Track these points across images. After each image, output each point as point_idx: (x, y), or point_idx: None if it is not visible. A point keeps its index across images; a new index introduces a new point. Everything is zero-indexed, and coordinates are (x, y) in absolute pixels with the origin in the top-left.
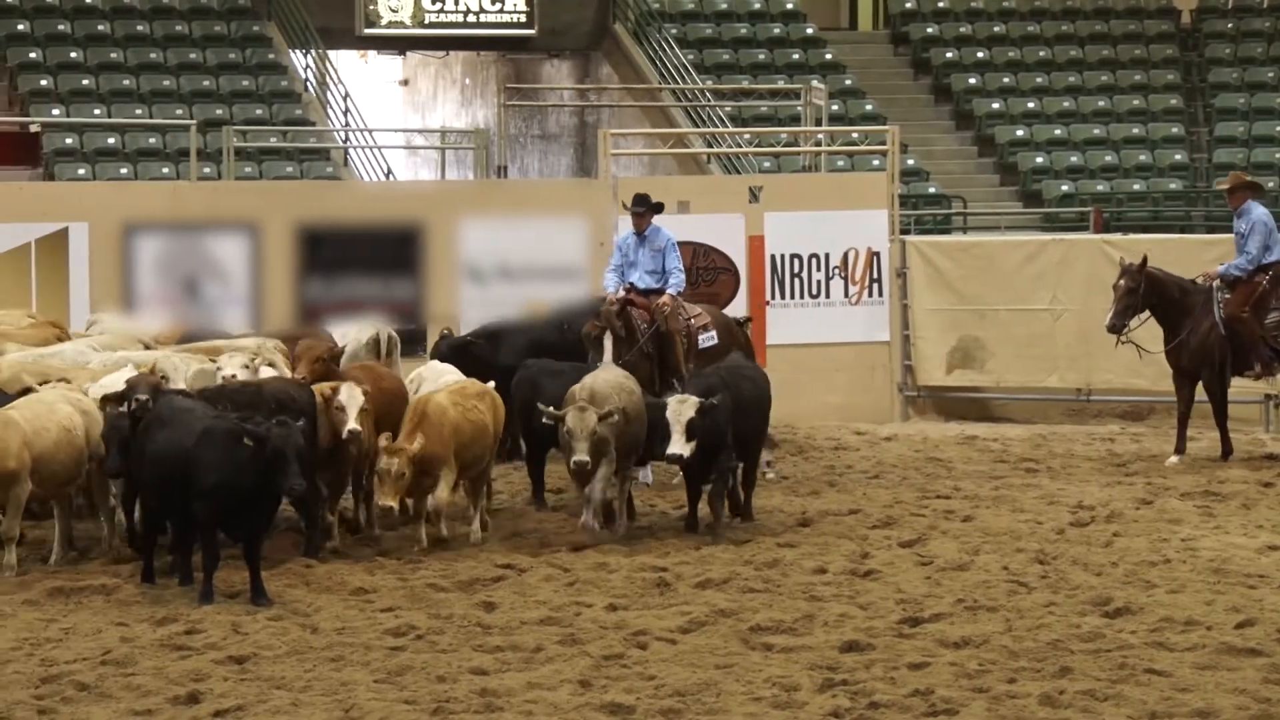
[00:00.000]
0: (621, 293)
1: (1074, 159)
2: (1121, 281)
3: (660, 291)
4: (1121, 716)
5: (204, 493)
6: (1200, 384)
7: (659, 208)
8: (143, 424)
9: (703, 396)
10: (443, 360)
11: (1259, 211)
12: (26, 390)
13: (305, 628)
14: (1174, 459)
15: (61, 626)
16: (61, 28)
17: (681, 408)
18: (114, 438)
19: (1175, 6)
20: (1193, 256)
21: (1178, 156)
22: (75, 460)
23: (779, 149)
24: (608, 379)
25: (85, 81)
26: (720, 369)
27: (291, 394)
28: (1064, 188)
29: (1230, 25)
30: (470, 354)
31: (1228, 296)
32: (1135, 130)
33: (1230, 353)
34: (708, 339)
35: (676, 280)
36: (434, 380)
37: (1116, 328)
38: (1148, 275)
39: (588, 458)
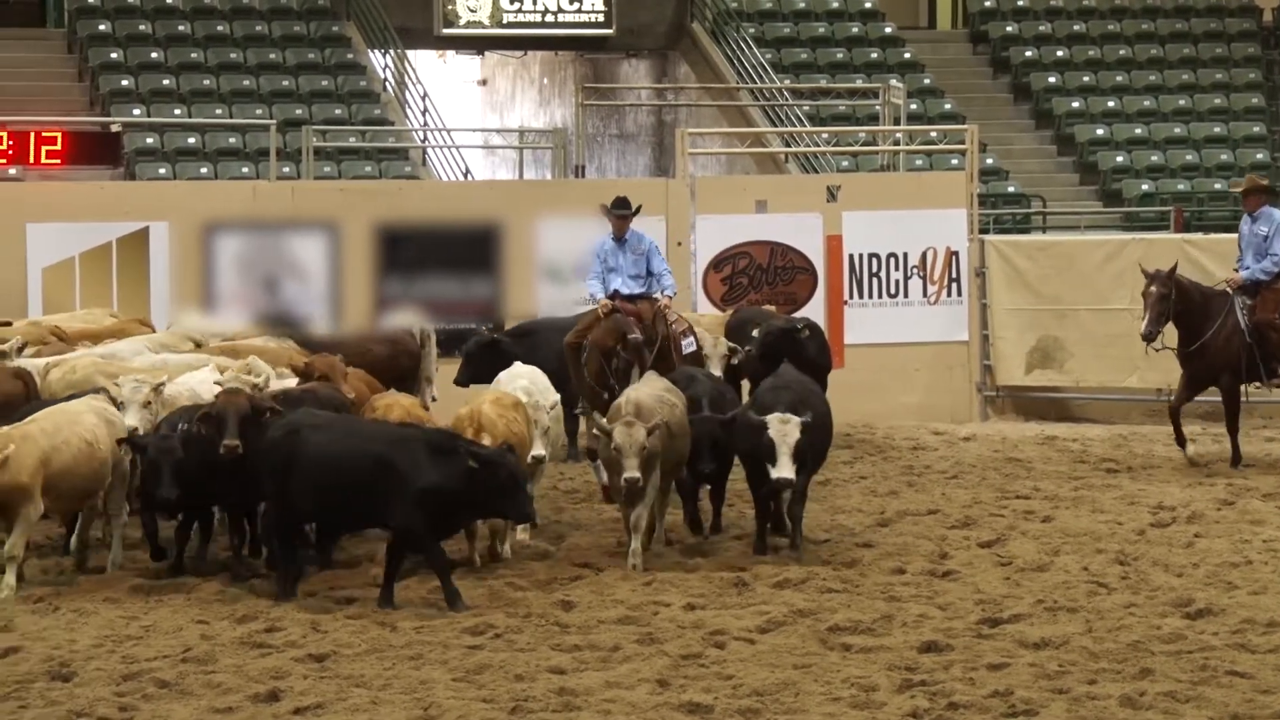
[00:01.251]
0: (605, 299)
1: (1154, 158)
2: (1153, 289)
3: (645, 297)
4: (1202, 718)
5: (414, 499)
6: (1208, 388)
7: (637, 211)
8: (284, 431)
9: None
10: (468, 357)
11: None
12: (98, 390)
13: (384, 626)
14: (1189, 450)
15: (142, 624)
16: (142, 28)
17: (786, 428)
18: (166, 462)
19: (1257, 4)
20: None
21: (1259, 155)
22: (96, 474)
23: (857, 148)
24: (651, 391)
25: (166, 81)
26: (784, 384)
27: None
28: (1144, 187)
29: None
30: (499, 351)
31: (1249, 302)
32: (1216, 129)
33: (1254, 359)
34: (688, 345)
35: (670, 282)
36: (509, 383)
37: (1153, 335)
38: (1176, 282)
39: (638, 474)
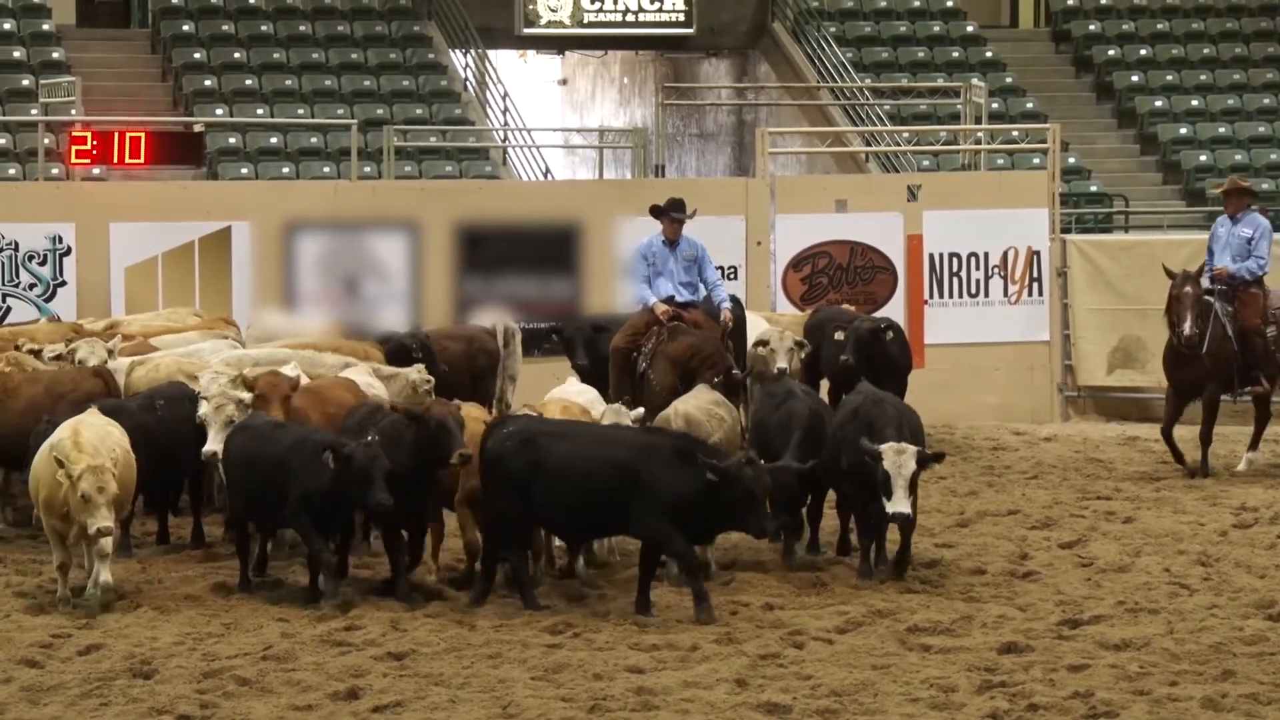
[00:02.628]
0: (664, 305)
1: (1238, 157)
2: (1188, 289)
3: (693, 305)
4: None
5: (661, 504)
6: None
7: (693, 215)
8: (526, 437)
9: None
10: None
11: (1263, 219)
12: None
13: (463, 625)
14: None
15: (223, 622)
16: (225, 28)
17: (901, 459)
18: (377, 469)
19: None
20: None
21: None
22: (129, 487)
23: (938, 147)
24: (700, 404)
25: (248, 82)
26: (881, 400)
27: None
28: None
29: None
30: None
31: (1229, 309)
32: None
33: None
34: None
35: (725, 294)
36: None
37: (1196, 338)
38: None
39: None
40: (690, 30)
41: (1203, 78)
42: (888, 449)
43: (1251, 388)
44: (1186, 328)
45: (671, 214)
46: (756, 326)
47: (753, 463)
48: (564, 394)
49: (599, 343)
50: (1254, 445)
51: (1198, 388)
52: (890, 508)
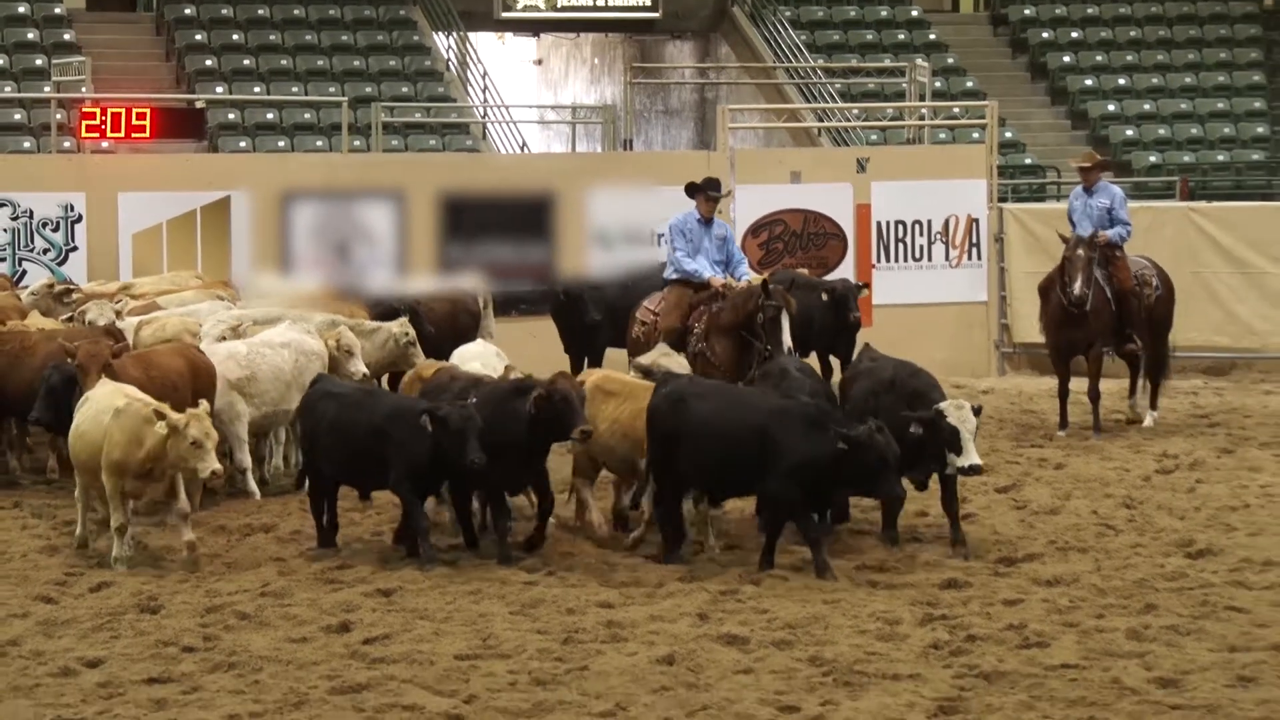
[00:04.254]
0: (717, 278)
1: (1162, 131)
2: (1080, 252)
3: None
4: (1203, 650)
5: (786, 472)
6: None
7: (729, 194)
8: (678, 396)
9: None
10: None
11: (1117, 189)
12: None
13: (446, 563)
14: (1062, 434)
15: (224, 561)
16: (225, 12)
17: (963, 414)
18: (472, 429)
19: None
20: (1273, 222)
21: (1260, 129)
22: None
23: (885, 123)
24: (671, 361)
25: (246, 62)
26: (913, 373)
27: None
28: (1152, 159)
29: None
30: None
31: (1104, 272)
32: (1220, 105)
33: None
34: None
35: (747, 269)
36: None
37: (1085, 298)
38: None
39: None
40: (656, 14)
41: (1129, 59)
42: (948, 406)
43: (1126, 346)
44: (1077, 288)
45: (708, 192)
46: None
47: (882, 430)
48: (464, 354)
49: (606, 298)
50: (1153, 403)
51: (1081, 348)
52: (963, 461)
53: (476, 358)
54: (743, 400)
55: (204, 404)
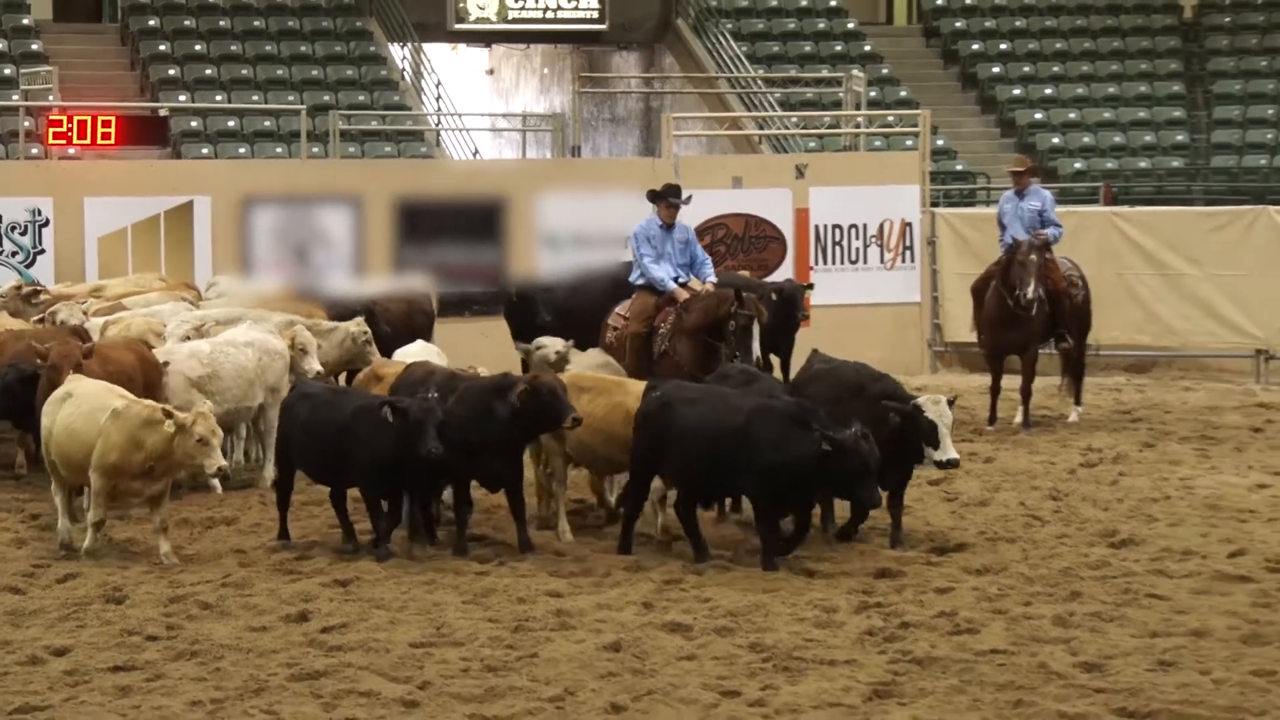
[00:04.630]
0: (680, 289)
1: (1086, 139)
2: (1033, 257)
3: (685, 285)
4: (1125, 636)
5: (761, 472)
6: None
7: (688, 200)
8: (664, 402)
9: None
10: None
11: (1046, 191)
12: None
13: (401, 554)
14: (991, 429)
15: (186, 553)
16: (187, 23)
17: (940, 408)
18: (431, 420)
19: (1178, 2)
20: (1193, 226)
21: (1179, 137)
22: None
23: (823, 131)
24: (590, 363)
25: (208, 71)
26: (876, 377)
27: None
28: (1077, 165)
29: (1228, 20)
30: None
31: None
32: (1141, 114)
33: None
34: None
35: (711, 270)
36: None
37: (1035, 301)
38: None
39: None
40: (603, 26)
41: (1055, 69)
42: (926, 402)
43: (1060, 345)
44: (1030, 291)
45: (669, 199)
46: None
47: (866, 436)
48: (404, 354)
49: (556, 300)
50: (1077, 399)
51: (1017, 347)
52: (940, 455)
53: (417, 357)
54: (726, 401)
55: (208, 403)
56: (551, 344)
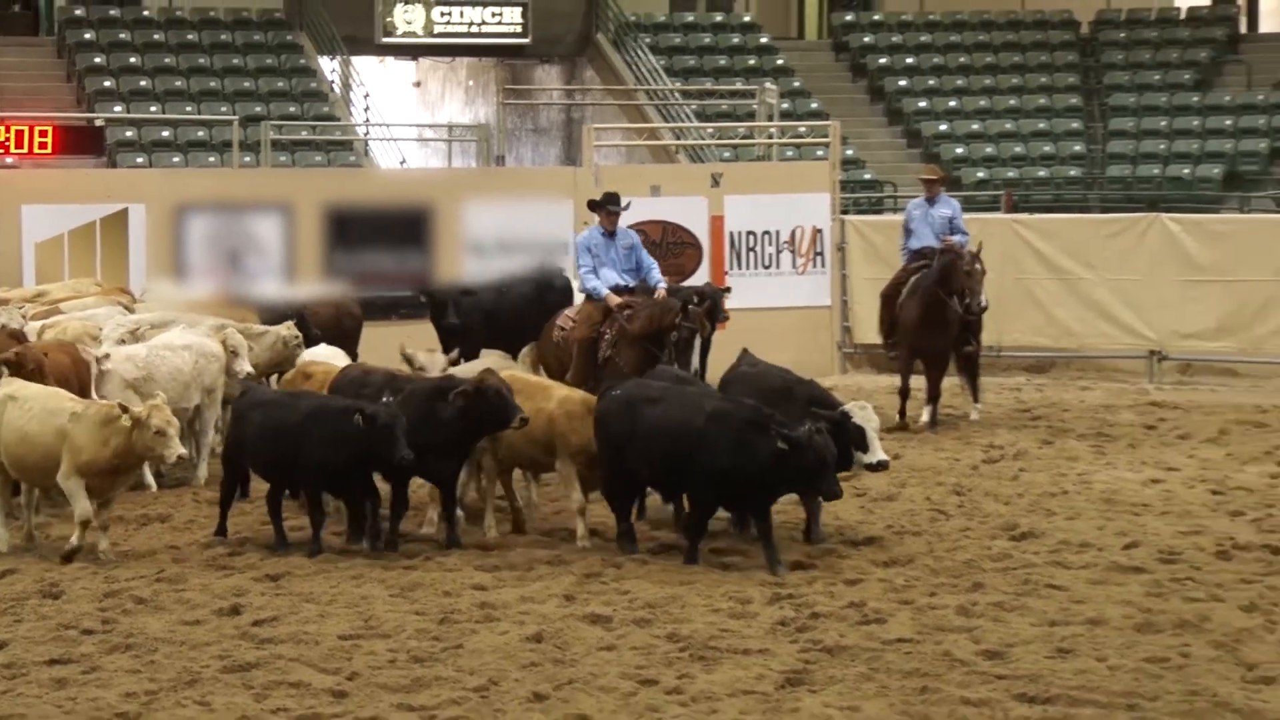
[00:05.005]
0: (613, 296)
1: (988, 150)
2: (978, 266)
3: (632, 290)
4: (1025, 624)
5: (711, 475)
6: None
7: (628, 206)
8: (628, 399)
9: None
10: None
11: (954, 200)
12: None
13: (331, 550)
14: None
15: (121, 549)
16: (123, 36)
17: (866, 414)
18: (399, 426)
19: (1075, 19)
20: (1089, 233)
21: (1077, 148)
22: None
23: (737, 141)
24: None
25: (143, 83)
26: (800, 380)
27: None
28: (980, 174)
29: (1122, 35)
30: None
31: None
32: (1041, 125)
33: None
34: None
35: (659, 276)
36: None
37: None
38: None
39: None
40: (526, 40)
41: (959, 83)
42: (853, 407)
43: (965, 349)
44: (983, 299)
45: (609, 207)
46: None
47: (821, 432)
48: (314, 356)
49: (465, 305)
50: (976, 398)
51: (938, 352)
52: (870, 458)
53: (321, 359)
54: (685, 401)
55: (160, 395)
56: (433, 364)
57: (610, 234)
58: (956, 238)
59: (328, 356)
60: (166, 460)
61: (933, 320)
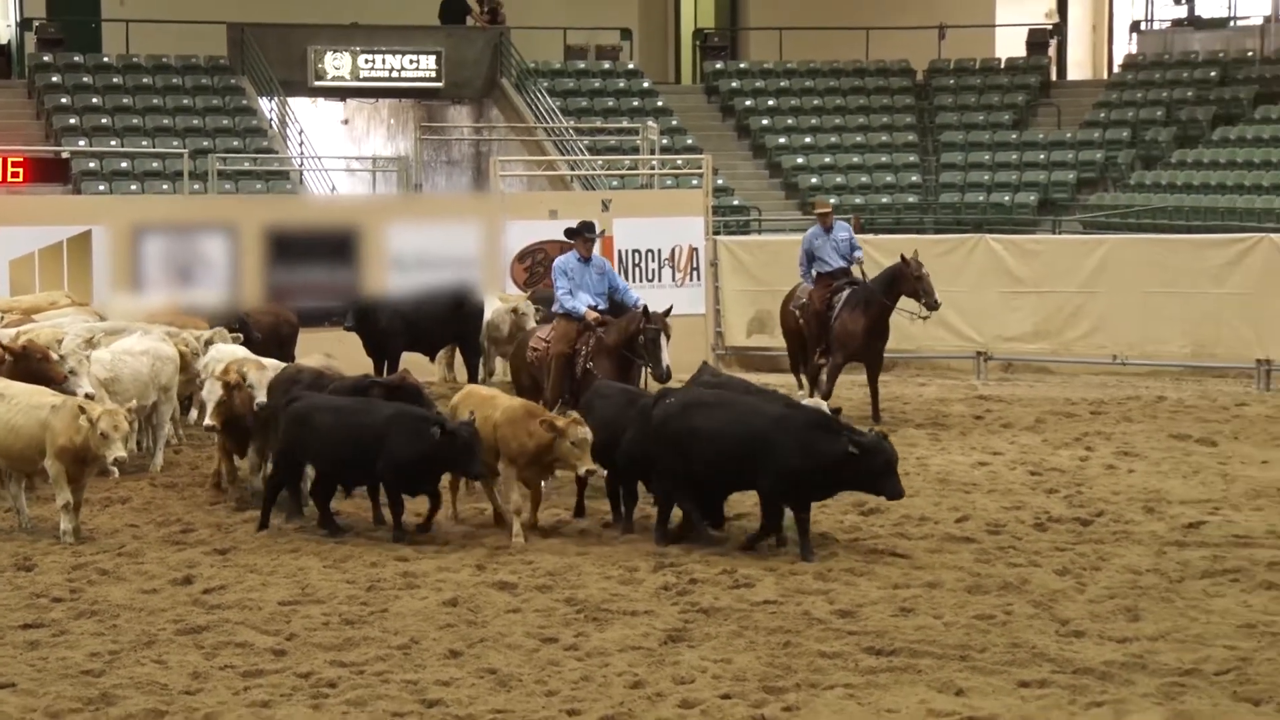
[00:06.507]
0: (592, 312)
1: (838, 179)
2: (925, 270)
3: (604, 310)
4: (873, 588)
5: (780, 474)
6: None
7: (602, 234)
8: (675, 409)
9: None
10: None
11: (847, 224)
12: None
13: (272, 527)
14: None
15: (88, 528)
16: (86, 80)
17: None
18: (478, 443)
19: (912, 68)
20: (924, 251)
21: (914, 178)
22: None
23: (624, 172)
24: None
25: (104, 120)
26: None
27: None
28: (832, 200)
29: (951, 82)
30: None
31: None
32: (883, 158)
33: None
34: None
35: (635, 296)
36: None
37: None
38: None
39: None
40: (440, 84)
41: (813, 122)
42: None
43: (826, 354)
44: (936, 298)
45: (585, 235)
46: (491, 304)
47: (886, 436)
48: (232, 352)
49: (366, 314)
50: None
51: (878, 354)
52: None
53: (232, 356)
54: (740, 408)
55: (134, 401)
56: (260, 383)
57: (585, 260)
58: (858, 253)
59: (230, 354)
60: (105, 461)
61: (879, 329)
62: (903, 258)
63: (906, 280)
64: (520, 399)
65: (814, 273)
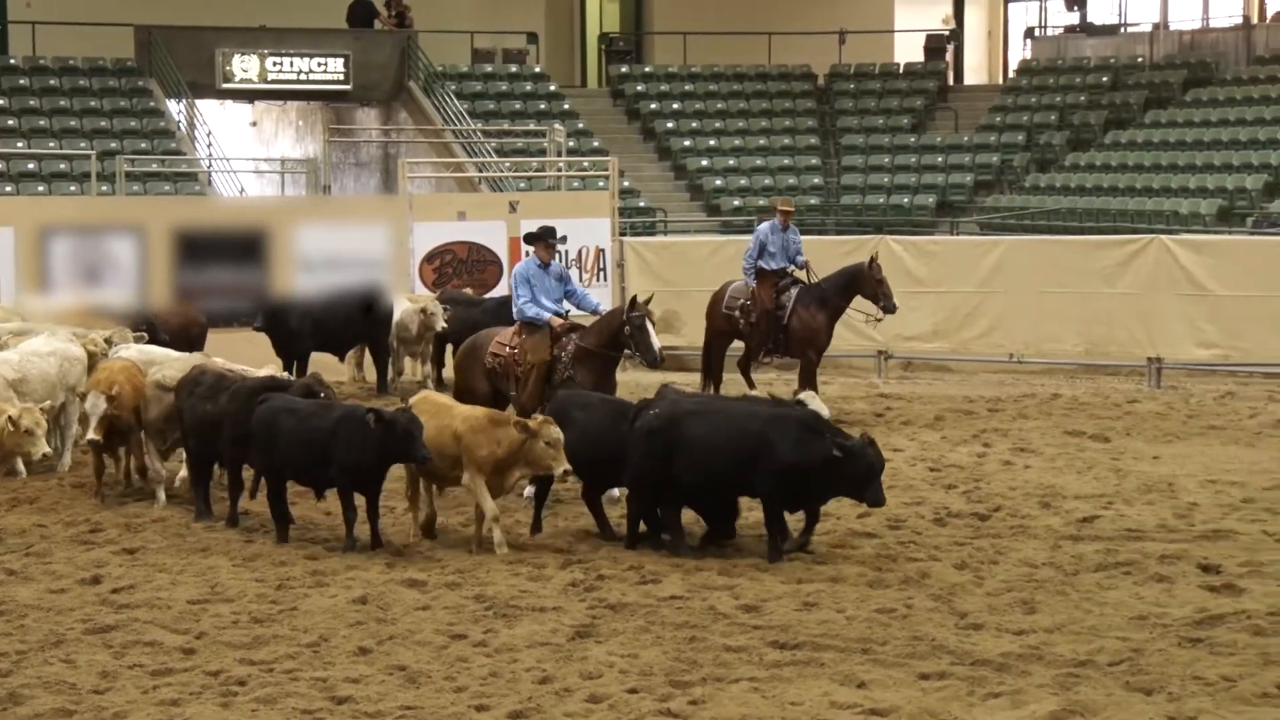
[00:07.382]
0: (556, 319)
1: (743, 181)
2: (883, 274)
3: (564, 316)
4: (777, 582)
5: (774, 472)
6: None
7: (564, 240)
8: (663, 421)
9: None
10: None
11: (797, 229)
12: None
13: (181, 525)
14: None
15: None
16: None
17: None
18: (419, 429)
19: (814, 73)
20: (826, 252)
21: (815, 179)
22: None
23: (531, 174)
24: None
25: (10, 122)
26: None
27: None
28: (735, 202)
29: (852, 86)
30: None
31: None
32: (786, 161)
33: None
34: None
35: (594, 300)
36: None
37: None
38: None
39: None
40: (348, 87)
41: (717, 125)
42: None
43: (772, 353)
44: (894, 301)
45: (547, 240)
46: (400, 304)
47: (873, 442)
48: (128, 353)
49: (275, 315)
50: (752, 387)
51: (821, 351)
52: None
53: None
54: (733, 414)
55: (49, 402)
56: (170, 375)
57: (545, 265)
58: (801, 258)
59: (135, 355)
60: (33, 457)
61: (831, 328)
62: (870, 261)
63: (866, 282)
64: (480, 407)
65: (754, 266)
